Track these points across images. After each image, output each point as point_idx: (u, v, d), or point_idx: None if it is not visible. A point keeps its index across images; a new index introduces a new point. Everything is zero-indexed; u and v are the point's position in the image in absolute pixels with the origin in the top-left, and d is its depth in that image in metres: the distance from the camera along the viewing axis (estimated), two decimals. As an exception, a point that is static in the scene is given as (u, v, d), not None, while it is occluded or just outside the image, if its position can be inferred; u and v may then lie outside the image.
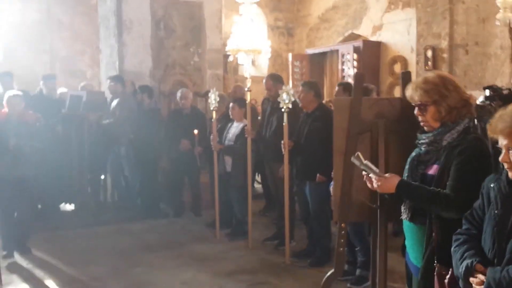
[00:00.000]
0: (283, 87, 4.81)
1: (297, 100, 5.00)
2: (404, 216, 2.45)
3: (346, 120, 2.84)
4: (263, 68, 14.41)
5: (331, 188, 4.29)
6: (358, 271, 4.28)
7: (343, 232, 2.98)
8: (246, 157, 5.24)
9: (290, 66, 12.96)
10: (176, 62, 7.75)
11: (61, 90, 7.19)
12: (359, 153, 2.44)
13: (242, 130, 5.45)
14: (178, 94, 6.60)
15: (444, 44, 10.66)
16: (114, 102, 6.80)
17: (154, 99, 6.88)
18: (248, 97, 5.33)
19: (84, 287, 4.30)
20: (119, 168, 7.05)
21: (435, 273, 2.24)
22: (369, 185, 2.45)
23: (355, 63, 12.20)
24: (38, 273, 4.65)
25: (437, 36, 10.75)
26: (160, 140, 6.66)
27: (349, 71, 12.37)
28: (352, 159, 2.45)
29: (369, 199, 2.76)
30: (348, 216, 2.94)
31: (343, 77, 12.53)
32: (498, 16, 8.39)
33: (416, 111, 2.39)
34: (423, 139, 2.39)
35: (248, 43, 11.99)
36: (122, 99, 6.76)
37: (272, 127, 5.33)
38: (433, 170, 2.34)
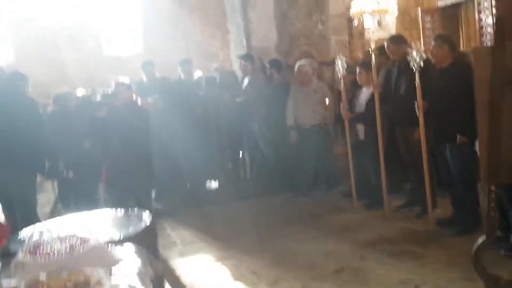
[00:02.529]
0: (412, 45, 4.53)
1: (430, 56, 4.69)
2: None
3: (488, 70, 2.56)
4: (391, 28, 13.72)
5: (477, 148, 4.00)
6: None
7: (493, 195, 2.73)
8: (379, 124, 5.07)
9: (420, 23, 12.13)
10: (301, 33, 7.70)
11: (197, 73, 7.59)
12: None
13: (372, 96, 5.27)
14: (296, 67, 6.55)
15: None
16: (246, 80, 7.00)
17: (283, 73, 6.94)
18: (373, 58, 5.14)
19: (236, 260, 4.50)
20: (255, 144, 7.27)
21: None
22: None
23: (494, 10, 11.00)
24: (191, 248, 4.99)
25: None
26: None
27: (488, 20, 11.20)
28: None
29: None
30: (498, 177, 2.68)
31: (481, 27, 11.38)
32: None
33: None
34: None
35: (372, 3, 11.49)
36: (252, 77, 6.93)
37: (401, 90, 5.05)
38: None
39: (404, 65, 4.98)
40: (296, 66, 6.42)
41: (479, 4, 11.33)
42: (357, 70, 5.51)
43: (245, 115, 7.00)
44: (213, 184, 7.36)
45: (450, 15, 12.39)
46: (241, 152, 7.49)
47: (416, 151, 4.99)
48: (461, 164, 4.42)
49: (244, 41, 7.62)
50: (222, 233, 5.28)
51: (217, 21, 12.54)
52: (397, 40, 5.16)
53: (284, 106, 6.56)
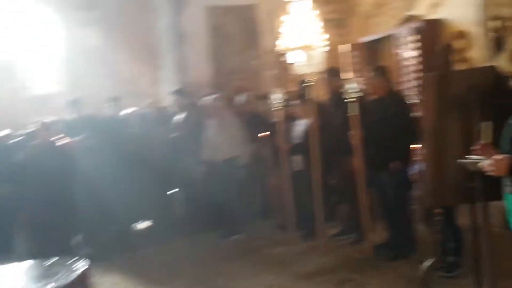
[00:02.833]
0: (348, 78, 4.62)
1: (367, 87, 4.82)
2: (507, 190, 2.22)
3: (434, 97, 2.61)
4: (319, 63, 14.17)
5: (413, 172, 4.07)
6: (449, 258, 3.97)
7: (438, 218, 2.73)
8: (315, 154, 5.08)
9: (344, 57, 12.59)
10: (235, 68, 7.71)
11: (127, 110, 7.33)
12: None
13: (309, 127, 5.29)
14: (242, 99, 6.54)
15: (512, 12, 9.97)
16: (180, 116, 6.83)
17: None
18: (310, 92, 5.19)
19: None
20: (188, 181, 7.05)
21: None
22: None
23: (415, 45, 11.68)
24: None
25: (507, 4, 10.06)
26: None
27: (406, 54, 11.85)
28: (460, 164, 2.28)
29: (467, 180, 2.51)
30: (444, 200, 2.69)
31: (399, 61, 12.01)
32: None
33: None
34: None
35: (299, 40, 11.81)
36: (188, 112, 6.78)
37: (338, 120, 5.13)
38: None
39: (340, 97, 5.07)
40: (201, 101, 6.41)
41: (400, 39, 12.00)
42: (293, 102, 5.54)
43: (179, 151, 6.80)
44: (145, 224, 7.03)
45: (374, 48, 13.03)
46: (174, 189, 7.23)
47: (352, 179, 5.04)
48: (397, 190, 4.50)
49: (179, 77, 7.50)
50: (157, 275, 5.00)
51: (147, 58, 12.37)
52: (334, 72, 5.27)
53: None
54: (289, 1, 11.06)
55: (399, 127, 4.41)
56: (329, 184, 5.52)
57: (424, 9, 12.21)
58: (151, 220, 6.84)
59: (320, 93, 6.56)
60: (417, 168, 4.00)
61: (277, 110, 5.48)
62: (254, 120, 6.53)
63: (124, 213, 6.48)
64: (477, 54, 10.93)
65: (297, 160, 5.50)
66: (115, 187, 6.23)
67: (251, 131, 6.30)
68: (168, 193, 6.92)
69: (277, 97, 5.45)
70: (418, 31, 11.62)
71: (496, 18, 10.14)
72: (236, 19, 7.94)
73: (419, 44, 11.47)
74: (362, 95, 4.61)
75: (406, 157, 4.50)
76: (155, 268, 5.26)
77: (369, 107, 4.80)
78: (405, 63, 11.29)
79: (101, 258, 5.31)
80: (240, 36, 7.92)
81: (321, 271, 4.46)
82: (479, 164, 2.21)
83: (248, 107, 6.61)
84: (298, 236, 5.51)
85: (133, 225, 6.77)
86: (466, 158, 2.33)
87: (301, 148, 5.39)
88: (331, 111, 5.23)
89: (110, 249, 5.88)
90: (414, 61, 11.35)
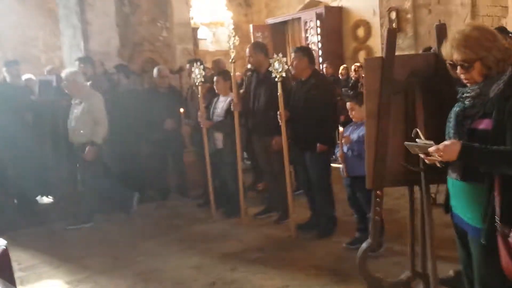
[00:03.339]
0: (275, 56, 4.61)
1: (290, 67, 4.83)
2: (453, 175, 2.35)
3: (378, 81, 2.68)
4: (223, 41, 14.08)
5: (337, 154, 4.23)
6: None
7: (378, 199, 2.86)
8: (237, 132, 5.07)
9: (252, 38, 12.68)
10: (144, 39, 7.36)
11: (25, 76, 6.70)
12: (418, 130, 2.29)
13: (230, 104, 5.25)
14: (155, 72, 6.28)
15: (407, 4, 10.69)
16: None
17: (132, 79, 6.53)
18: (232, 70, 5.13)
19: (93, 283, 4.03)
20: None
21: (497, 233, 2.17)
22: (427, 161, 2.32)
23: (319, 30, 12.10)
24: (33, 273, 4.32)
25: (401, -3, 10.77)
26: (140, 122, 6.32)
27: (313, 38, 12.27)
28: (406, 146, 2.32)
29: (408, 163, 2.65)
30: (384, 183, 2.82)
31: (307, 44, 12.40)
32: None
33: (459, 70, 2.27)
34: (467, 92, 2.27)
35: (211, 16, 11.62)
36: (93, 81, 6.36)
37: (260, 100, 5.13)
38: (484, 124, 2.22)
39: (263, 75, 5.08)
40: (157, 69, 6.27)
41: (305, 23, 12.33)
42: (215, 78, 5.44)
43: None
44: (46, 200, 6.57)
45: (278, 32, 13.25)
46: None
47: (274, 159, 5.12)
48: (319, 171, 4.64)
49: (82, 43, 6.98)
50: (69, 254, 4.70)
51: (40, 22, 11.40)
52: (260, 47, 5.21)
53: (134, 113, 6.17)
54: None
55: (323, 110, 4.53)
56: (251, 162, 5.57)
57: (327, -5, 12.68)
58: (55, 196, 6.43)
59: (242, 70, 6.53)
60: (339, 150, 4.18)
61: (199, 84, 5.33)
62: (170, 95, 6.32)
63: (22, 187, 6.01)
64: (376, 43, 11.66)
65: (218, 138, 5.44)
66: (13, 159, 5.76)
67: (167, 106, 6.10)
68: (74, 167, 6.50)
69: (200, 72, 5.30)
70: (321, 16, 12.07)
71: (392, 9, 10.88)
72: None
73: (321, 30, 11.95)
74: (285, 75, 4.61)
75: (330, 138, 4.70)
76: (65, 246, 4.96)
77: (292, 88, 4.86)
78: (312, 47, 11.70)
79: (5, 232, 4.85)
80: (149, 6, 7.55)
81: (248, 249, 4.48)
82: (429, 148, 2.27)
83: (162, 81, 6.37)
84: (219, 214, 5.48)
85: (32, 200, 6.30)
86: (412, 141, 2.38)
87: (223, 126, 5.33)
88: (255, 89, 5.19)
89: (12, 225, 5.40)
90: (317, 46, 11.82)
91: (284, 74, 4.53)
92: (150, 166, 6.47)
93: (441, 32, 2.64)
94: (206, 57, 11.23)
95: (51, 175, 6.41)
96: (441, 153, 2.20)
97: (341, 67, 9.95)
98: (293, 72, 4.80)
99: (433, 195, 5.30)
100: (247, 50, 5.16)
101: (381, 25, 11.29)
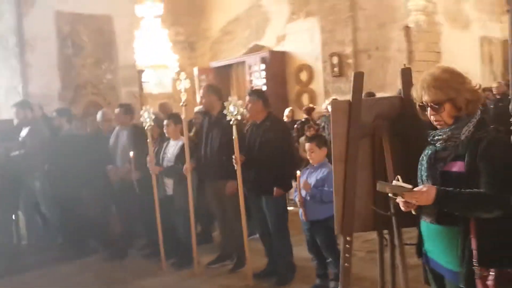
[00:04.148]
0: (229, 98, 4.51)
1: (244, 110, 4.74)
2: (428, 219, 2.29)
3: (345, 125, 2.62)
4: (167, 84, 13.94)
5: (296, 199, 4.12)
6: (332, 284, 4.07)
7: (347, 245, 2.74)
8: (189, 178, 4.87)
9: (196, 81, 12.66)
10: (88, 81, 7.10)
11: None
12: (399, 176, 2.19)
13: (182, 149, 5.06)
14: (99, 115, 6.00)
15: (348, 50, 11.06)
16: (24, 131, 6.01)
17: (74, 124, 6.20)
18: (184, 113, 4.97)
19: None
20: (34, 205, 6.22)
21: (476, 277, 2.11)
22: (403, 208, 2.24)
23: (263, 74, 12.25)
24: None
25: (341, 43, 11.13)
26: (83, 168, 5.96)
27: (258, 82, 12.38)
28: (379, 187, 2.23)
29: (378, 207, 2.57)
30: (353, 228, 2.71)
31: (252, 88, 12.50)
32: (411, 18, 8.88)
33: (429, 111, 2.25)
34: (439, 135, 2.25)
35: (155, 59, 11.49)
36: (33, 127, 5.99)
37: (212, 143, 4.97)
38: (457, 167, 2.19)
39: (216, 118, 4.95)
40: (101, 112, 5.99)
41: (249, 67, 12.46)
42: (165, 122, 5.25)
43: (24, 171, 5.96)
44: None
45: (222, 75, 13.30)
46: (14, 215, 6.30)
47: (228, 204, 4.93)
48: (277, 215, 4.49)
49: (21, 86, 6.63)
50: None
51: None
52: (213, 89, 5.08)
53: (73, 161, 5.82)
54: (142, 17, 10.75)
55: (279, 154, 4.44)
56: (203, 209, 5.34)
57: (270, 41, 12.93)
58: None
59: (192, 114, 6.38)
60: (298, 194, 4.07)
61: (148, 128, 5.11)
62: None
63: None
64: (318, 86, 11.92)
65: (169, 184, 5.20)
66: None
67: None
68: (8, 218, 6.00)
69: (150, 115, 5.10)
70: (265, 60, 12.25)
71: (333, 55, 11.22)
72: (90, 29, 7.36)
73: (266, 73, 12.11)
74: (239, 118, 4.51)
75: (287, 182, 4.59)
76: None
77: (247, 131, 4.77)
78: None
79: None
80: (94, 48, 7.35)
81: (203, 302, 4.21)
82: (405, 194, 2.19)
83: (107, 125, 6.10)
84: (169, 265, 5.17)
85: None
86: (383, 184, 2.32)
87: (175, 171, 5.11)
88: (207, 132, 5.03)
89: None
90: (263, 89, 11.92)
91: (239, 117, 4.43)
92: (92, 214, 6.07)
93: (406, 75, 2.63)
94: (148, 100, 11.03)
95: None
96: (417, 198, 2.15)
97: (287, 110, 10.02)
98: (247, 115, 4.71)
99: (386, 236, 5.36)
100: (201, 91, 5.03)
101: (323, 69, 11.59)
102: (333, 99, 9.89)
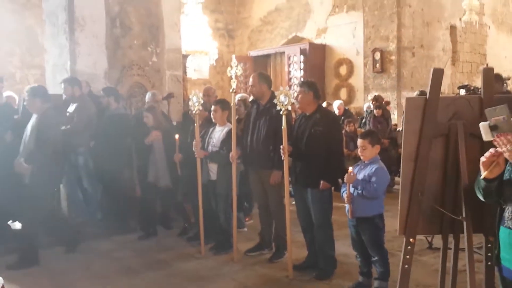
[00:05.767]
0: (280, 88, 4.47)
1: (295, 101, 4.71)
2: (510, 223, 2.22)
3: (419, 122, 2.55)
4: (204, 71, 13.97)
5: (343, 194, 4.07)
6: (376, 283, 4.03)
7: (409, 247, 2.67)
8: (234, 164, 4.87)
9: (233, 69, 12.62)
10: (134, 62, 7.13)
11: (7, 93, 6.34)
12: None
13: (228, 135, 5.06)
14: (150, 96, 6.05)
15: (392, 46, 10.88)
16: (72, 107, 6.10)
17: (122, 103, 6.25)
18: (232, 99, 4.95)
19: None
20: (76, 180, 6.33)
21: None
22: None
23: (302, 65, 12.15)
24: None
25: (385, 38, 10.96)
26: (127, 148, 6.03)
27: (296, 73, 12.31)
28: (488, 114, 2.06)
29: (447, 210, 2.51)
30: (417, 230, 2.65)
31: (290, 79, 12.45)
32: (464, 18, 8.68)
33: None
34: None
35: (196, 44, 11.50)
36: (80, 103, 6.08)
37: (260, 132, 4.94)
38: None
39: (264, 107, 4.92)
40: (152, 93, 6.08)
41: (289, 58, 12.37)
42: (213, 107, 5.25)
43: (68, 146, 6.05)
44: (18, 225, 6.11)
45: (261, 63, 13.26)
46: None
47: (270, 193, 4.92)
48: (322, 209, 4.45)
49: (68, 63, 6.69)
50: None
51: (18, 38, 11.04)
52: (264, 77, 5.03)
53: (119, 139, 5.89)
54: (185, 2, 10.70)
55: (328, 147, 4.38)
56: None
57: (310, 33, 12.81)
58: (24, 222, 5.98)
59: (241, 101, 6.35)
60: (346, 190, 4.02)
61: (197, 113, 5.12)
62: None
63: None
64: (358, 81, 11.77)
65: (213, 169, 5.21)
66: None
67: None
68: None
69: (198, 100, 5.10)
70: (305, 52, 12.14)
71: (376, 50, 11.04)
72: (138, 10, 7.38)
73: (305, 65, 12.01)
74: (289, 109, 4.48)
75: (334, 176, 4.54)
76: (42, 276, 4.54)
77: (295, 122, 4.73)
78: (294, 81, 11.71)
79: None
80: (141, 29, 7.36)
81: (243, 289, 4.21)
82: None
83: (157, 106, 6.13)
84: (208, 249, 5.20)
85: (6, 224, 5.85)
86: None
87: (219, 157, 5.12)
88: (254, 121, 5.01)
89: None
90: (300, 81, 11.84)
91: (289, 108, 4.40)
92: (134, 195, 6.14)
93: (489, 75, 2.55)
94: (187, 84, 11.07)
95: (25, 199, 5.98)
96: None
97: (337, 102, 9.90)
98: (297, 106, 4.66)
99: (429, 238, 5.26)
100: (250, 79, 5.01)
101: (365, 65, 11.43)
102: (375, 95, 9.78)
